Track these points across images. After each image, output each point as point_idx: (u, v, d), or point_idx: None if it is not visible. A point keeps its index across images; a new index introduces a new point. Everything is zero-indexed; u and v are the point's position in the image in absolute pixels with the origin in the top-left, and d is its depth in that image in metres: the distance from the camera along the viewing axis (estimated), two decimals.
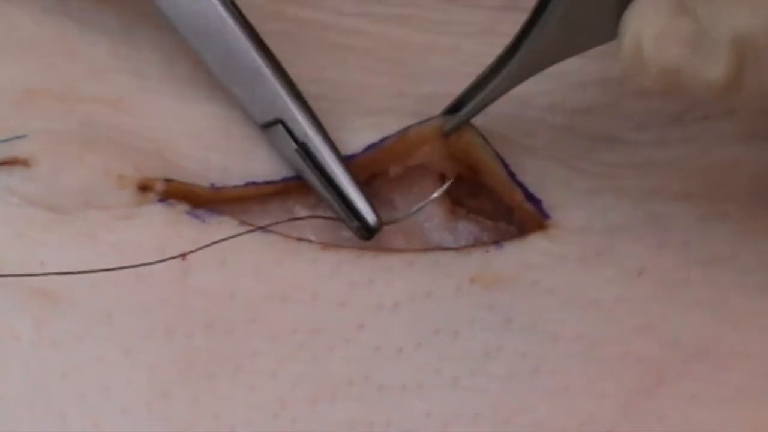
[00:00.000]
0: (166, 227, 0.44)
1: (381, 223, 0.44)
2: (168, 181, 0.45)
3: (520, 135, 0.46)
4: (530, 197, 0.45)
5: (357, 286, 0.44)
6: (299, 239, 0.45)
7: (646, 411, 0.43)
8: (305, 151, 0.45)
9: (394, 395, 0.43)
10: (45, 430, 0.42)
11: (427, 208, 0.46)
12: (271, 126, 0.45)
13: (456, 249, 0.45)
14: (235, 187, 0.46)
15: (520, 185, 0.45)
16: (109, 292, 0.43)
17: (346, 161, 0.45)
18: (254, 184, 0.46)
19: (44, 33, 0.48)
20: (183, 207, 0.45)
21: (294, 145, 0.45)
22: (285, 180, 0.46)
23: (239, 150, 0.46)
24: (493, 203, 0.47)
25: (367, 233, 0.44)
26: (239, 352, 0.43)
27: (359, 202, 0.45)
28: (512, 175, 0.45)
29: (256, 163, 0.46)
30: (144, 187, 0.45)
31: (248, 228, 0.44)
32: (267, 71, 0.45)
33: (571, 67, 0.46)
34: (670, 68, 0.37)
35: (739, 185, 0.46)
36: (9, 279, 0.43)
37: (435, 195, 0.46)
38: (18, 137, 0.45)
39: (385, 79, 0.48)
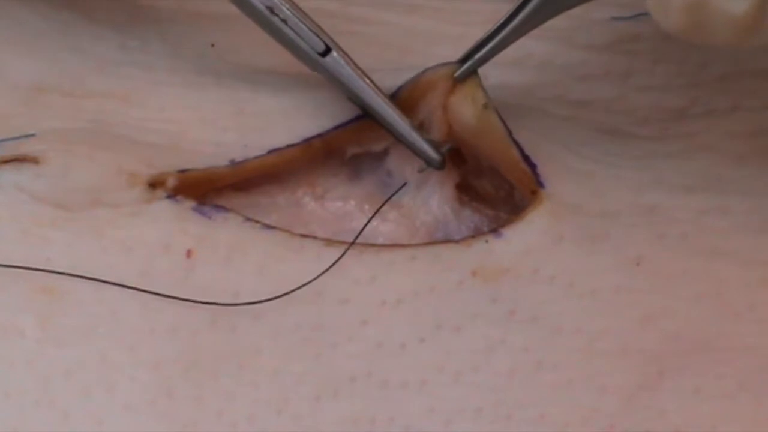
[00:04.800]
0: (171, 224, 0.43)
1: (444, 158, 0.44)
2: (182, 172, 0.44)
3: (521, 122, 0.45)
4: (526, 158, 0.44)
5: (360, 282, 0.43)
6: (303, 236, 0.44)
7: (648, 405, 0.42)
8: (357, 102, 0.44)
9: (397, 391, 0.42)
10: (48, 427, 0.41)
11: (435, 194, 0.46)
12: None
13: (457, 242, 0.44)
14: (257, 157, 0.45)
15: (517, 144, 0.44)
16: (114, 290, 0.42)
17: (397, 107, 0.44)
18: (276, 150, 0.45)
19: (51, 29, 0.47)
20: (190, 203, 0.44)
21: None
22: (307, 140, 0.45)
23: (255, 126, 0.45)
24: (494, 185, 0.46)
25: (435, 167, 0.45)
26: (242, 349, 0.42)
27: (419, 142, 0.44)
28: (509, 132, 0.44)
29: (274, 133, 0.45)
30: (154, 184, 0.44)
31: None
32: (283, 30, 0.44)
33: (575, 60, 0.46)
34: (695, 1, 0.35)
35: (740, 180, 0.44)
36: (14, 275, 0.42)
37: (423, 168, 0.45)
38: (27, 135, 0.44)
39: (392, 67, 0.47)
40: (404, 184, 0.46)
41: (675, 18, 0.36)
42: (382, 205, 0.45)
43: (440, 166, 0.44)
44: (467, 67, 0.44)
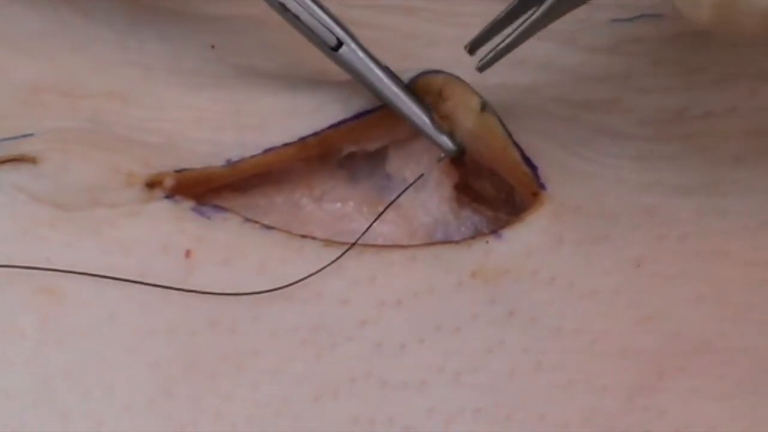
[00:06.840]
0: (170, 224, 0.43)
1: (462, 147, 0.44)
2: (179, 171, 0.44)
3: (521, 122, 0.45)
4: (527, 161, 0.43)
5: (360, 283, 0.43)
6: (303, 236, 0.43)
7: (648, 406, 0.42)
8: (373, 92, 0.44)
9: (396, 392, 0.42)
10: (48, 427, 0.41)
11: (435, 195, 0.46)
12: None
13: (456, 242, 0.43)
14: (253, 156, 0.44)
15: (518, 146, 0.44)
16: (113, 290, 0.42)
17: (414, 94, 0.44)
18: (272, 149, 0.44)
19: (50, 29, 0.47)
20: (188, 204, 0.43)
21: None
22: (303, 138, 0.45)
23: (252, 125, 0.45)
24: (495, 187, 0.46)
25: (454, 156, 0.45)
26: (242, 350, 0.42)
27: (434, 132, 0.44)
28: (509, 134, 0.44)
29: (271, 132, 0.45)
30: (152, 184, 0.44)
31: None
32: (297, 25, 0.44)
33: (576, 61, 0.46)
34: None
35: (739, 181, 0.44)
36: (14, 276, 0.42)
37: (441, 158, 0.45)
38: (25, 135, 0.44)
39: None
40: (418, 178, 0.45)
41: (704, 12, 0.36)
42: (389, 205, 0.45)
43: (457, 155, 0.44)
44: (487, 61, 0.43)
